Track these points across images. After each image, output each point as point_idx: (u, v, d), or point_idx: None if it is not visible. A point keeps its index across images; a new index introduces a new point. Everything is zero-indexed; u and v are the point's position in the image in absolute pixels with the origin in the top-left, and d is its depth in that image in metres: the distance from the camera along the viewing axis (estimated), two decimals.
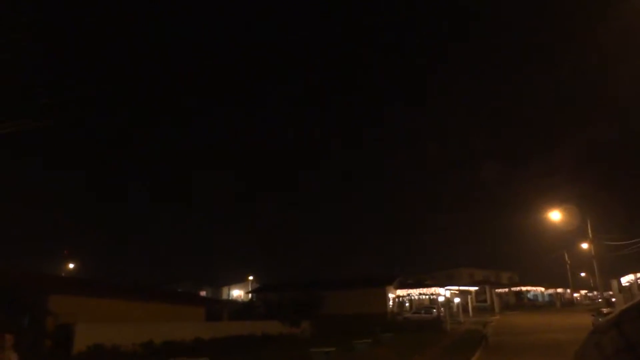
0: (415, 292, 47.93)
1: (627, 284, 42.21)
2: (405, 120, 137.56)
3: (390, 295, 44.70)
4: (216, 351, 19.01)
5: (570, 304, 72.08)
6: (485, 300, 62.66)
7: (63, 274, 45.05)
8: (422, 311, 46.32)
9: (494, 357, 18.63)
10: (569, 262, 65.40)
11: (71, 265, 49.98)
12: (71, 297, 21.14)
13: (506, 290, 69.58)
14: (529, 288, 70.61)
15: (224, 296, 71.79)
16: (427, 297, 50.40)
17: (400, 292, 46.81)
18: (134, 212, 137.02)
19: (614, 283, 44.25)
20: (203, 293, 64.79)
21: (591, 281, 71.91)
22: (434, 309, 46.39)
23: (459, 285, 53.51)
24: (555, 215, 39.59)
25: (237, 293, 73.64)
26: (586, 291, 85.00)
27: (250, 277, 73.52)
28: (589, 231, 41.66)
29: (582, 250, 51.92)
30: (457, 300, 52.07)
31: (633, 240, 36.92)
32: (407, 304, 51.27)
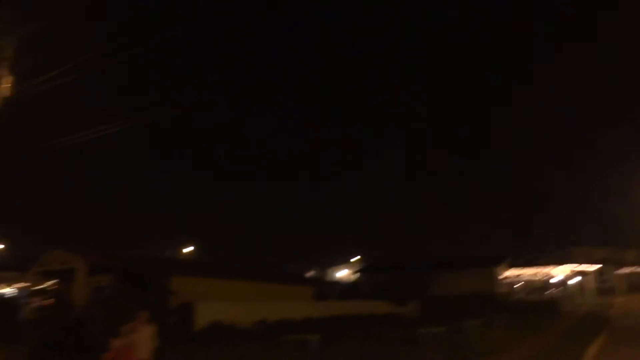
0: (527, 272, 45.74)
1: None
2: (523, 95, 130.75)
3: (501, 276, 43.04)
4: (325, 329, 19.51)
5: None
6: (606, 281, 58.31)
7: (182, 257, 48.44)
8: (535, 292, 44.18)
9: (618, 342, 17.27)
10: None
11: (188, 249, 53.50)
12: (190, 278, 22.75)
13: (632, 269, 64.12)
14: None
15: (330, 277, 73.25)
16: (540, 277, 47.92)
17: (512, 272, 44.89)
18: (242, 194, 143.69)
19: None
20: (310, 274, 66.59)
21: None
22: (549, 289, 44.03)
23: (575, 265, 50.28)
24: None
25: (342, 274, 74.82)
26: None
27: (355, 258, 74.30)
28: None
29: None
30: (574, 281, 49.00)
31: None
32: (518, 285, 49.11)
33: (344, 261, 76.71)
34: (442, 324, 19.22)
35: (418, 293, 35.11)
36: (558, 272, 44.93)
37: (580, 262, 55.08)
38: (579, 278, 49.41)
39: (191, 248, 52.28)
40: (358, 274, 49.13)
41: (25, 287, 25.09)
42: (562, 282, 45.48)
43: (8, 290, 27.84)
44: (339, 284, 52.12)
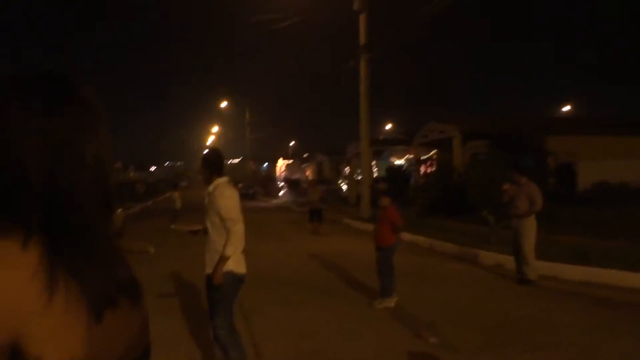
0: None
1: None
2: None
3: None
4: None
5: None
6: None
7: (559, 116, 45.39)
8: None
9: None
10: None
11: (566, 108, 49.81)
12: (569, 137, 21.01)
13: None
14: None
15: None
16: None
17: None
18: None
19: None
20: None
21: None
22: None
23: None
24: None
25: None
26: None
27: None
28: None
29: None
30: None
31: None
32: None
33: None
34: None
35: None
36: None
37: None
38: None
39: (568, 107, 48.46)
40: None
41: (412, 157, 28.21)
42: None
43: (399, 162, 31.92)
44: None
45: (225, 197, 4.02)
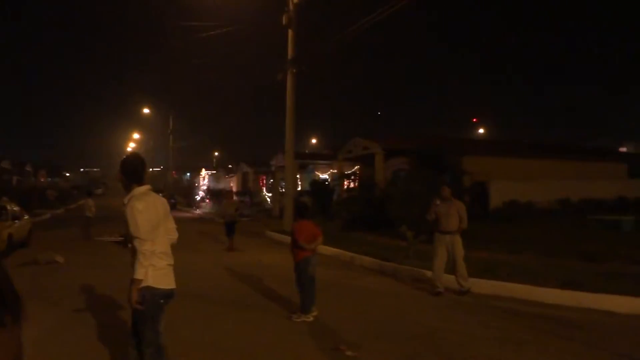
0: None
1: None
2: None
3: None
4: None
5: None
6: None
7: (476, 138, 47.87)
8: None
9: None
10: None
11: (480, 131, 52.64)
12: (483, 157, 22.19)
13: None
14: None
15: None
16: None
17: None
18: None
19: None
20: (623, 149, 58.30)
21: None
22: None
23: None
24: None
25: None
26: None
27: None
28: None
29: None
30: None
31: None
32: None
33: None
34: None
35: None
36: None
37: None
38: None
39: (481, 131, 51.31)
40: None
41: (335, 172, 28.58)
42: None
43: (323, 177, 32.23)
44: None
45: (137, 211, 3.61)
